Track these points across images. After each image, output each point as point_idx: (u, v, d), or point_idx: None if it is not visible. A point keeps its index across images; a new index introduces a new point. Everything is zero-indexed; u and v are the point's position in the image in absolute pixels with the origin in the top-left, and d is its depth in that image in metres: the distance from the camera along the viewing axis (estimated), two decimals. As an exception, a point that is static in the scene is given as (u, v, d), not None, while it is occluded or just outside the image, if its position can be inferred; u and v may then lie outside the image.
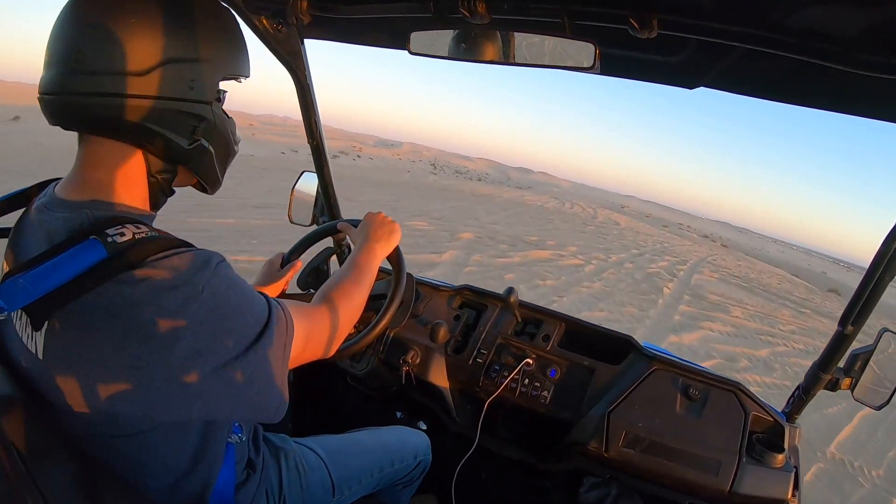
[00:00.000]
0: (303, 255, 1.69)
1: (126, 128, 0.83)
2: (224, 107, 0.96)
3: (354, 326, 1.31)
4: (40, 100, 0.83)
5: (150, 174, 0.90)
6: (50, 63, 0.81)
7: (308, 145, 1.93)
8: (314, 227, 1.91)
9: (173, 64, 0.82)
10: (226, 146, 0.98)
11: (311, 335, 0.98)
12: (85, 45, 0.79)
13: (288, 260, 1.62)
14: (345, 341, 1.28)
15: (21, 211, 0.96)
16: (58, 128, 0.85)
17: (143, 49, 0.80)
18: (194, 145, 0.90)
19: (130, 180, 0.87)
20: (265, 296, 0.89)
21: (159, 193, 0.93)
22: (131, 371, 0.74)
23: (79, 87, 0.79)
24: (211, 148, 0.94)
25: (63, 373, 0.75)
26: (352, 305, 1.14)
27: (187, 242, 0.83)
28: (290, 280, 1.62)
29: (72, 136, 0.87)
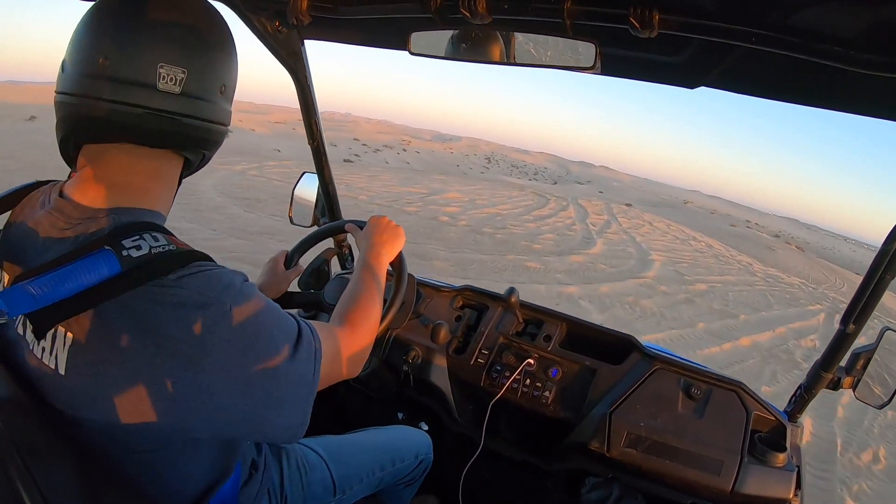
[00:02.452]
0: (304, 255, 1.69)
1: (191, 144, 0.90)
2: None
3: None
4: (77, 102, 0.81)
5: (181, 177, 0.96)
6: (104, 68, 0.79)
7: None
8: (315, 227, 1.91)
9: (224, 91, 0.92)
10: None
11: (338, 356, 0.99)
12: (169, 65, 0.81)
13: (292, 259, 1.62)
14: None
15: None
16: None
17: (213, 78, 0.88)
18: (210, 157, 0.99)
19: (165, 184, 0.91)
20: (294, 316, 0.89)
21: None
22: (160, 387, 0.74)
23: (146, 101, 0.81)
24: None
25: (87, 388, 0.75)
26: (371, 321, 1.14)
27: (206, 255, 0.83)
28: (292, 281, 1.63)
29: None
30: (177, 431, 0.78)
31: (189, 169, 0.96)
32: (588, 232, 15.92)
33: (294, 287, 1.66)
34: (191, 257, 0.80)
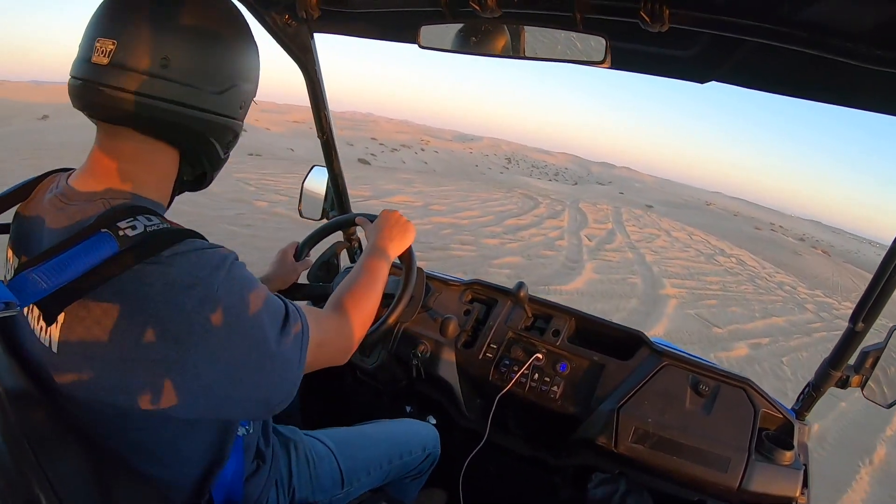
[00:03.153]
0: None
1: (186, 135, 0.89)
2: None
3: None
4: (86, 87, 0.82)
5: (179, 176, 0.94)
6: (120, 62, 0.80)
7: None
8: (324, 221, 1.91)
9: (237, 87, 0.90)
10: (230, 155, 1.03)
11: (326, 341, 0.98)
12: (175, 55, 0.82)
13: (302, 251, 1.64)
14: None
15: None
16: (80, 126, 0.86)
17: (223, 71, 0.87)
18: (226, 155, 0.98)
19: (161, 178, 0.91)
20: (282, 298, 0.90)
21: (179, 191, 0.97)
22: (147, 366, 0.75)
23: (150, 89, 0.81)
24: (227, 157, 1.01)
25: (78, 366, 0.76)
26: (365, 311, 1.13)
27: (199, 234, 0.84)
28: (301, 273, 1.63)
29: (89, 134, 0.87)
30: (164, 410, 0.79)
31: (192, 167, 0.96)
32: (577, 250, 11.39)
33: (303, 279, 1.67)
34: (183, 234, 0.81)
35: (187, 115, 0.85)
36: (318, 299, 1.82)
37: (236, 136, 0.97)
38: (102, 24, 0.81)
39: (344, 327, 1.06)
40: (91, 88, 0.81)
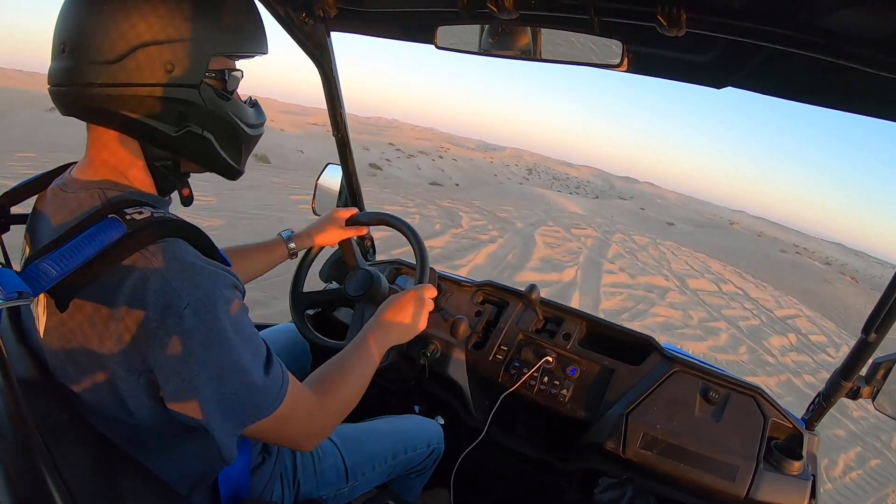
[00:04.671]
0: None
1: (112, 117, 0.82)
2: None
3: None
4: (49, 91, 0.84)
5: (150, 161, 0.89)
6: (52, 55, 0.82)
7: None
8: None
9: (144, 48, 0.79)
10: (229, 130, 0.92)
11: (294, 419, 0.91)
12: (66, 37, 0.79)
13: (359, 220, 1.61)
14: None
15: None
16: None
17: (113, 36, 0.77)
18: (182, 132, 0.86)
19: (134, 166, 0.88)
20: (269, 348, 0.87)
21: (165, 179, 0.91)
22: (116, 360, 0.76)
23: (63, 79, 0.81)
24: (207, 134, 0.89)
25: (60, 351, 0.78)
26: (347, 401, 1.06)
27: (206, 236, 0.84)
28: (348, 238, 1.62)
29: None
30: (139, 403, 0.80)
31: (160, 149, 0.88)
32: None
33: (315, 285, 1.67)
34: (190, 231, 0.81)
35: (90, 95, 0.79)
36: (334, 304, 1.83)
37: (191, 105, 0.85)
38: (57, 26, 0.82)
39: (319, 410, 0.97)
40: (50, 90, 0.83)
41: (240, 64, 0.93)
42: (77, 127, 0.85)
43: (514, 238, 10.61)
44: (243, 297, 0.85)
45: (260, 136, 1.01)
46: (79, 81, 0.79)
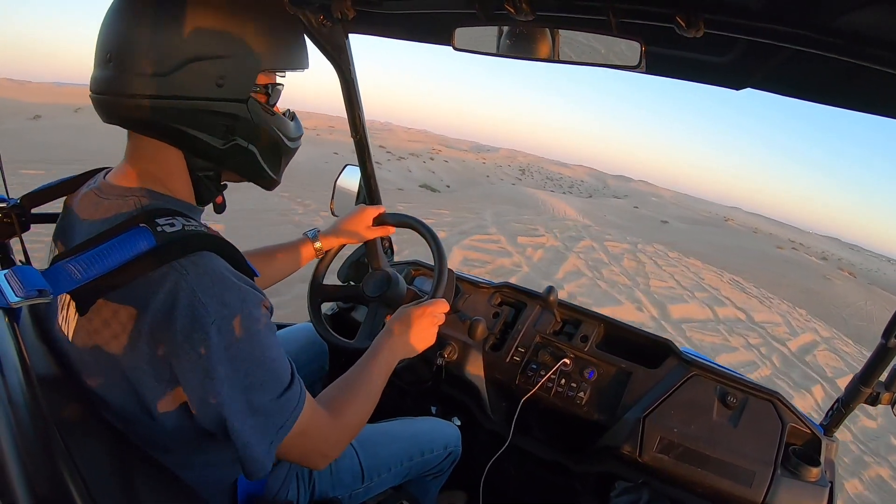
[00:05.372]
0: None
1: (158, 128, 0.84)
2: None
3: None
4: (91, 98, 0.86)
5: (192, 171, 0.90)
6: (95, 63, 0.84)
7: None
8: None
9: (197, 62, 0.81)
10: (272, 144, 0.95)
11: (309, 434, 0.92)
12: (113, 47, 0.81)
13: (385, 220, 1.60)
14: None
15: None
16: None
17: (165, 49, 0.79)
18: (229, 145, 0.89)
19: (175, 175, 0.90)
20: (292, 366, 0.89)
21: (205, 189, 0.94)
22: (148, 372, 0.78)
23: (107, 88, 0.82)
24: (252, 147, 0.92)
25: (89, 354, 0.79)
26: (359, 418, 1.08)
27: (237, 250, 0.86)
28: (374, 238, 1.61)
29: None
30: (169, 414, 0.82)
31: (203, 160, 0.90)
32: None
33: (332, 280, 1.68)
34: (219, 245, 0.82)
35: (139, 107, 0.81)
36: (350, 299, 1.84)
37: (238, 119, 0.88)
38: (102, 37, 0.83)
39: (332, 430, 0.99)
40: (93, 97, 0.84)
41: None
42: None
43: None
44: (271, 314, 0.86)
45: (298, 148, 1.04)
46: (125, 92, 0.80)
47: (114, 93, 0.82)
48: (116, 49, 0.81)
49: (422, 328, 1.27)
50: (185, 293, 0.76)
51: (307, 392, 0.91)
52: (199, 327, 0.76)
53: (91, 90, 0.84)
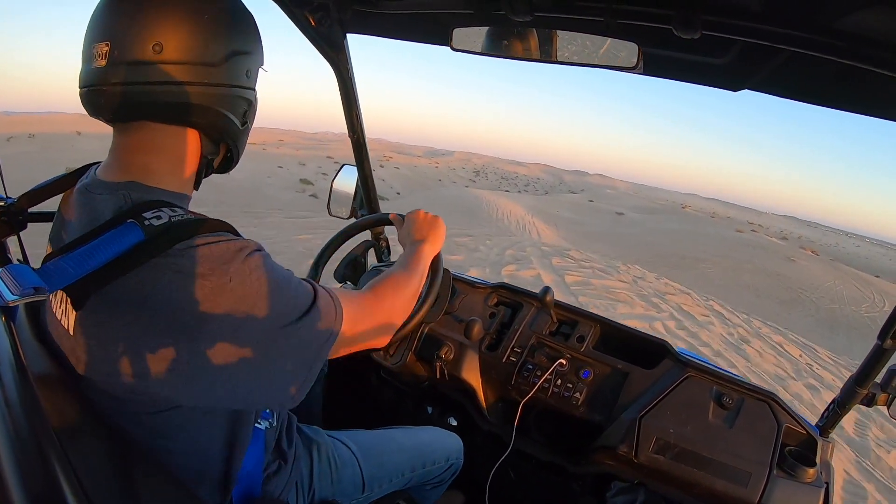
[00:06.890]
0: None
1: (195, 112, 0.89)
2: None
3: None
4: (92, 92, 0.86)
5: (202, 154, 0.95)
6: (97, 59, 0.84)
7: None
8: (352, 220, 1.93)
9: (237, 56, 0.91)
10: (251, 125, 1.04)
11: (360, 319, 0.99)
12: (166, 38, 0.83)
13: (323, 255, 1.69)
14: None
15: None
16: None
17: (216, 43, 0.88)
18: (245, 126, 0.99)
19: (184, 161, 0.93)
20: (312, 283, 0.92)
21: (203, 173, 0.98)
22: (155, 353, 0.77)
23: (151, 77, 0.84)
24: (247, 128, 1.01)
25: (91, 347, 0.79)
26: (402, 296, 1.15)
27: (224, 224, 0.86)
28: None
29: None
30: (174, 397, 0.81)
31: (215, 144, 0.98)
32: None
33: (329, 281, 1.68)
34: (207, 224, 0.82)
35: (192, 93, 0.87)
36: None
37: (251, 104, 0.99)
38: (95, 30, 0.85)
39: (379, 307, 1.07)
40: (97, 91, 0.85)
41: None
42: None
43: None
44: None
45: None
46: (174, 80, 0.85)
47: (149, 81, 0.84)
48: (166, 40, 0.83)
49: (428, 222, 1.40)
50: (181, 280, 0.77)
51: (332, 290, 0.95)
52: (220, 288, 0.78)
53: (96, 84, 0.85)
